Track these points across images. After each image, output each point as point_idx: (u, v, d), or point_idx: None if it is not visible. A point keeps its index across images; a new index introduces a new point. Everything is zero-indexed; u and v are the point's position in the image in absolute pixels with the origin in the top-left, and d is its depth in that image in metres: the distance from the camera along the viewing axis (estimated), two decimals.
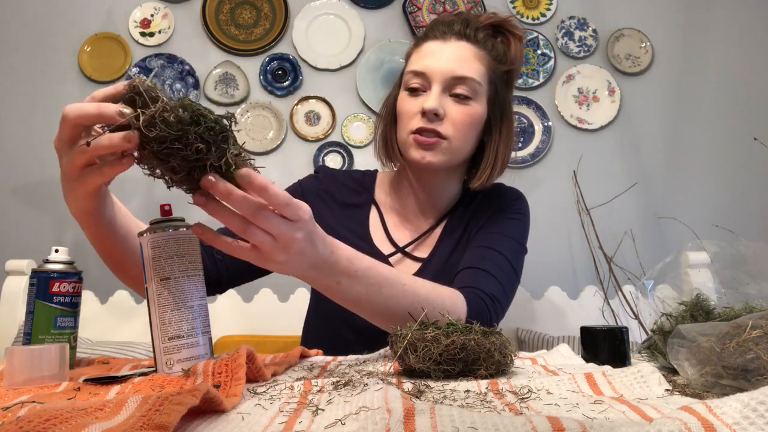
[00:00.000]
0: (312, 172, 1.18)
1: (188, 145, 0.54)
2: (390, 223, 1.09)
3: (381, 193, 1.12)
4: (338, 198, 1.10)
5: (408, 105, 1.01)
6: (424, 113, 0.97)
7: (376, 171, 1.17)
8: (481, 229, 1.03)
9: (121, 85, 0.59)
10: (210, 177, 0.55)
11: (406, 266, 1.03)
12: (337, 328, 1.01)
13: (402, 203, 1.10)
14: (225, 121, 0.57)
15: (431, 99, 0.97)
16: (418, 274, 1.01)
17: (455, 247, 1.04)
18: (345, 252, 0.72)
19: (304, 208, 0.62)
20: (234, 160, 0.56)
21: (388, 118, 1.07)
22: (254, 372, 0.58)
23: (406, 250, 1.05)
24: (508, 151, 1.05)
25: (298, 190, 1.10)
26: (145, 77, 0.57)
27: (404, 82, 1.03)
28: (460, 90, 0.98)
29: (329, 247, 0.69)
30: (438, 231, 1.07)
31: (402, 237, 1.07)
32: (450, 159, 1.00)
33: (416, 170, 1.06)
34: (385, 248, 1.05)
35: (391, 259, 1.03)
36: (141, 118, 0.54)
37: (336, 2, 2.09)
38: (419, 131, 0.98)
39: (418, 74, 1.00)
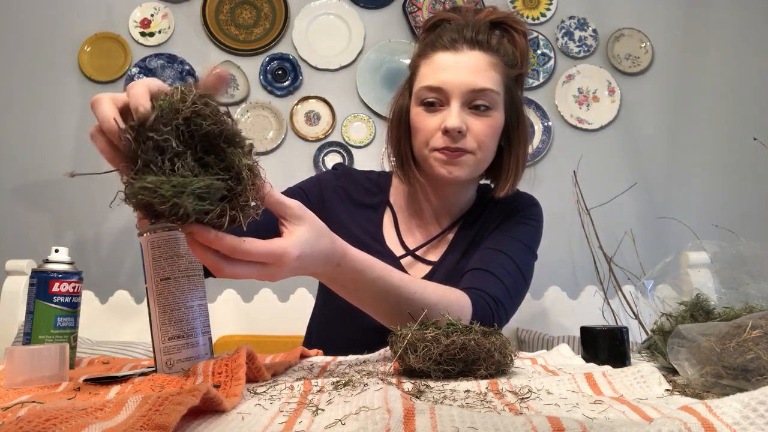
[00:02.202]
0: (312, 172, 1.18)
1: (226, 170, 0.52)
2: (403, 226, 1.09)
3: (395, 195, 1.12)
4: (354, 197, 1.10)
5: (425, 121, 0.97)
6: (446, 131, 0.94)
7: (391, 173, 1.16)
8: (492, 232, 1.03)
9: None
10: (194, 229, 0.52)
11: (416, 269, 1.04)
12: (344, 328, 1.00)
13: (417, 208, 1.09)
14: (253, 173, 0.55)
15: (453, 117, 0.93)
16: (428, 277, 1.01)
17: (466, 251, 1.04)
18: (355, 264, 0.70)
19: (288, 255, 0.58)
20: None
21: (401, 132, 1.04)
22: (254, 372, 0.58)
23: (417, 253, 1.05)
24: (526, 152, 1.04)
25: (315, 185, 1.09)
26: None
27: (417, 96, 0.99)
28: (479, 102, 0.95)
29: (336, 258, 0.67)
30: (450, 236, 1.07)
31: (414, 240, 1.07)
32: (475, 170, 0.99)
33: (434, 181, 1.04)
34: (397, 250, 1.05)
35: (402, 262, 1.04)
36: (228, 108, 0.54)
37: (336, 2, 2.09)
38: (443, 149, 0.96)
39: (433, 89, 0.96)
